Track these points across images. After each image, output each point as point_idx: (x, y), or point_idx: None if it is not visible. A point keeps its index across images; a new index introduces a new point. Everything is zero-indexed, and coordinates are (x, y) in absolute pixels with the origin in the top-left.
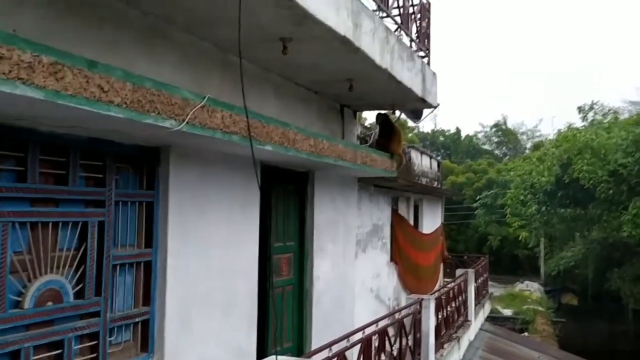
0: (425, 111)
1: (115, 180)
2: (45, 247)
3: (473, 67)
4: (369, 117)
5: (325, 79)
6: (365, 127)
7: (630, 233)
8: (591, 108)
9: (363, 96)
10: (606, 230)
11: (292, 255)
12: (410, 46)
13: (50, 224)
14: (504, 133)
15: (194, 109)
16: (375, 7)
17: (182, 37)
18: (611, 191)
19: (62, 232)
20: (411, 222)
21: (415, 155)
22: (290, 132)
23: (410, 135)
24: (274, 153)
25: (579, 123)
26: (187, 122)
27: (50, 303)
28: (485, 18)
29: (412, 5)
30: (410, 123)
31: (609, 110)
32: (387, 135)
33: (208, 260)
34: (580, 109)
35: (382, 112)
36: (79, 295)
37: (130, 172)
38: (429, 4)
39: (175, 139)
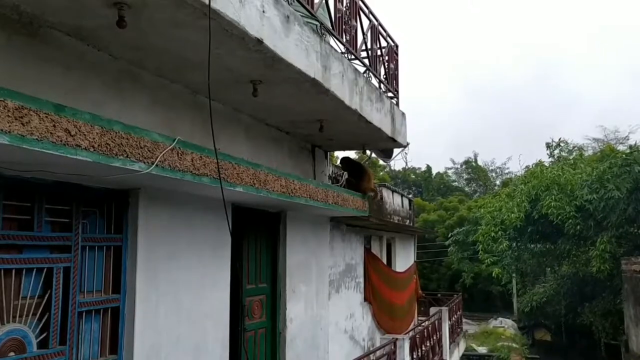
0: (396, 150)
1: (82, 225)
2: (8, 295)
3: (442, 104)
4: (341, 156)
5: (296, 120)
6: (337, 167)
7: (599, 268)
8: (558, 145)
9: (334, 136)
10: (576, 265)
11: (264, 297)
12: (379, 87)
13: (14, 270)
14: (474, 170)
15: (164, 152)
16: (343, 50)
17: (153, 80)
18: (579, 226)
19: (26, 278)
20: (384, 260)
21: (386, 194)
22: (261, 173)
23: (381, 173)
24: (245, 194)
25: (545, 161)
26: (157, 165)
27: (12, 354)
28: (455, 58)
29: (380, 48)
30: (382, 162)
31: (574, 147)
32: (357, 175)
33: (178, 305)
34: (548, 145)
35: (346, 156)
36: (43, 344)
37: (98, 216)
38: (397, 46)
39: (145, 182)
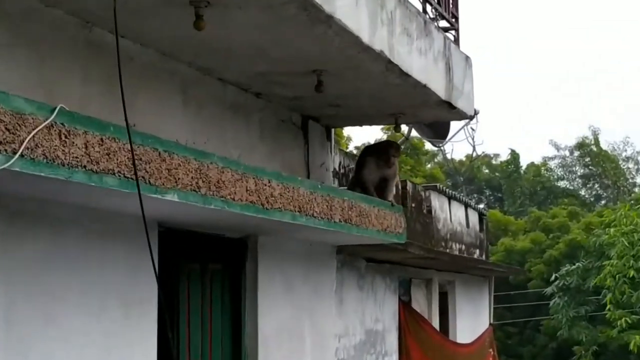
0: (454, 125)
1: None
2: None
3: (536, 47)
4: (355, 136)
5: (274, 72)
6: (350, 156)
7: None
8: None
9: (342, 100)
10: None
11: None
12: (424, 11)
13: None
14: (595, 159)
15: (35, 131)
16: None
17: (13, 1)
18: None
19: None
20: (436, 323)
21: (438, 203)
22: (211, 167)
23: (428, 166)
24: (183, 206)
25: None
26: (22, 155)
27: None
28: None
29: None
30: (429, 145)
31: None
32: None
33: None
34: None
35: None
36: None
37: None
38: None
39: (1, 185)
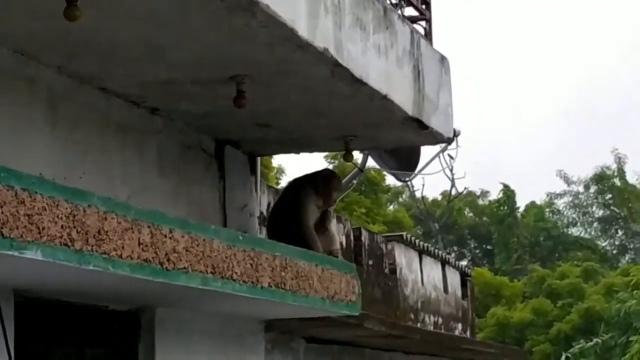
0: (426, 152)
1: None
2: None
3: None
4: (290, 167)
5: (176, 79)
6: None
7: None
8: None
9: (271, 118)
10: None
11: None
12: None
13: None
14: (618, 197)
15: None
16: None
17: None
18: None
19: None
20: None
21: (405, 260)
22: (89, 212)
23: (390, 208)
24: (48, 267)
25: None
26: None
27: None
28: None
29: None
30: (391, 180)
31: None
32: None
33: None
34: None
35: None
36: None
37: None
38: None
39: None
